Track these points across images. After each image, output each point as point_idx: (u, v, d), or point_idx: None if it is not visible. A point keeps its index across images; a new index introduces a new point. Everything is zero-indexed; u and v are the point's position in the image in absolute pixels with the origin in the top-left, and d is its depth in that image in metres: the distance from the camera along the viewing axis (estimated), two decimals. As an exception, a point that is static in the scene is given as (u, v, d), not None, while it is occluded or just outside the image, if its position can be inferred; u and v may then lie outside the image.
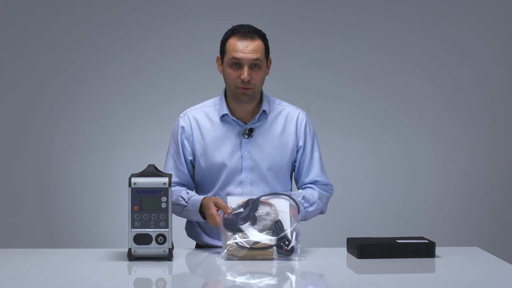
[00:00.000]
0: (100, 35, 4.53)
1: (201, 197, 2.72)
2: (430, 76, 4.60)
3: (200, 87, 4.17)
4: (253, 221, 2.51)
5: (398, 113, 4.61)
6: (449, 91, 4.62)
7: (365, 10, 4.57)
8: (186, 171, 2.83)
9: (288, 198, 2.59)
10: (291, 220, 2.52)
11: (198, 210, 2.69)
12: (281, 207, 2.55)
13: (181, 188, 2.80)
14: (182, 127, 2.82)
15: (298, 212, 2.58)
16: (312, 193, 2.81)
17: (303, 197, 2.76)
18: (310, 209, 2.78)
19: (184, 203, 2.73)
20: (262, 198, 2.57)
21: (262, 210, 2.54)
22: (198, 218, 2.71)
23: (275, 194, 2.62)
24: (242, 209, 2.54)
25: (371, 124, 4.60)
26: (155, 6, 4.55)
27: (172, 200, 2.70)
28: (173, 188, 2.73)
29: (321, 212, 2.86)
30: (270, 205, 2.55)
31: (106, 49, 4.54)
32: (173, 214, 2.58)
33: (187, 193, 2.76)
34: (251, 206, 2.53)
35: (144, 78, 4.55)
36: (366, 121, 4.60)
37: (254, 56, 2.68)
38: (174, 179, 2.79)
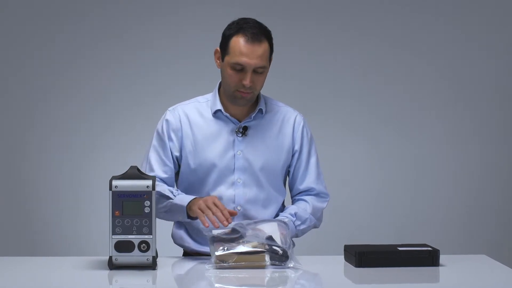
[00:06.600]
0: (79, 30, 4.51)
1: (193, 196, 2.71)
2: (433, 73, 4.61)
3: (185, 85, 4.16)
4: (243, 240, 2.51)
5: (400, 111, 4.61)
6: (454, 89, 4.62)
7: (365, 4, 4.57)
8: (172, 167, 2.81)
9: (274, 220, 2.66)
10: (281, 240, 2.53)
11: (185, 204, 2.67)
12: (269, 230, 2.57)
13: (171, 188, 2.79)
14: (167, 120, 2.81)
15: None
16: (305, 208, 2.82)
17: (295, 214, 2.79)
18: (301, 226, 2.80)
19: (171, 195, 2.71)
20: (249, 226, 2.58)
21: (250, 233, 2.55)
22: (181, 214, 2.69)
23: (261, 220, 2.64)
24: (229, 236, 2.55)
25: (371, 123, 4.60)
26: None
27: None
28: (159, 184, 2.73)
29: (315, 227, 2.88)
30: (258, 230, 2.56)
31: (85, 45, 4.52)
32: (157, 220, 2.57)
33: (177, 190, 2.77)
34: (240, 230, 2.55)
35: (126, 75, 4.54)
36: (366, 120, 4.60)
37: (259, 63, 2.67)
38: (160, 174, 2.78)
